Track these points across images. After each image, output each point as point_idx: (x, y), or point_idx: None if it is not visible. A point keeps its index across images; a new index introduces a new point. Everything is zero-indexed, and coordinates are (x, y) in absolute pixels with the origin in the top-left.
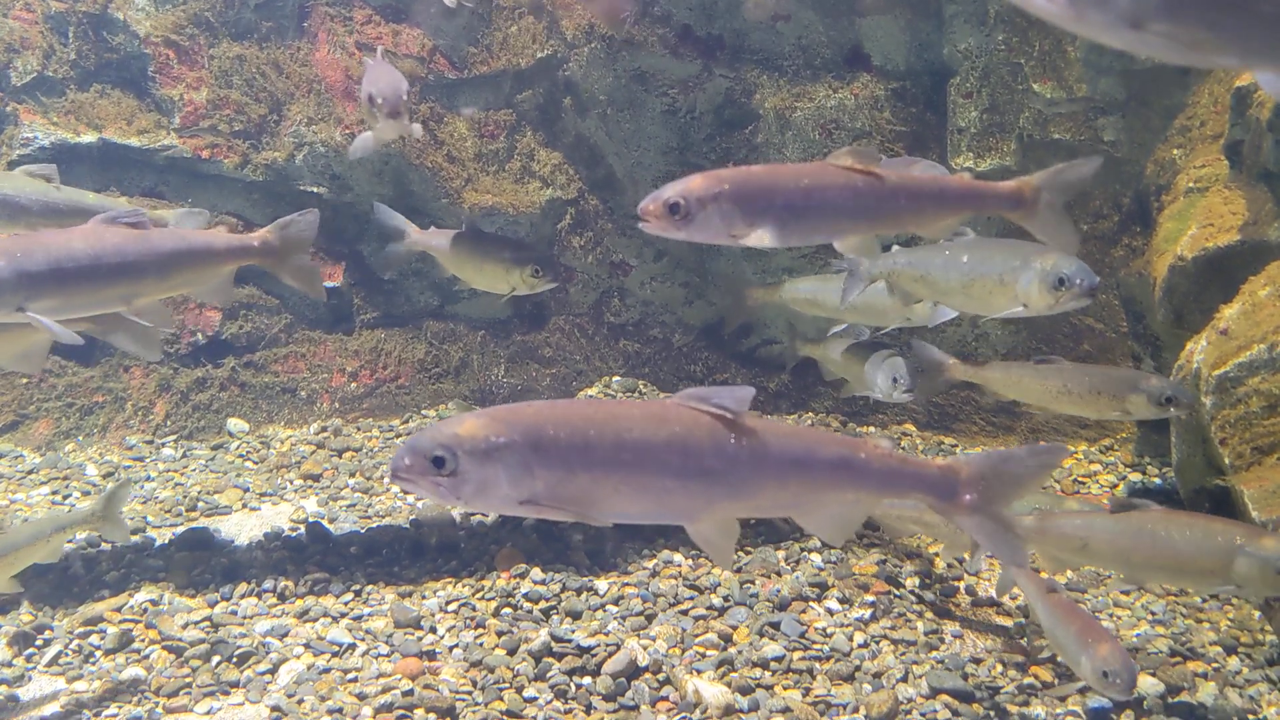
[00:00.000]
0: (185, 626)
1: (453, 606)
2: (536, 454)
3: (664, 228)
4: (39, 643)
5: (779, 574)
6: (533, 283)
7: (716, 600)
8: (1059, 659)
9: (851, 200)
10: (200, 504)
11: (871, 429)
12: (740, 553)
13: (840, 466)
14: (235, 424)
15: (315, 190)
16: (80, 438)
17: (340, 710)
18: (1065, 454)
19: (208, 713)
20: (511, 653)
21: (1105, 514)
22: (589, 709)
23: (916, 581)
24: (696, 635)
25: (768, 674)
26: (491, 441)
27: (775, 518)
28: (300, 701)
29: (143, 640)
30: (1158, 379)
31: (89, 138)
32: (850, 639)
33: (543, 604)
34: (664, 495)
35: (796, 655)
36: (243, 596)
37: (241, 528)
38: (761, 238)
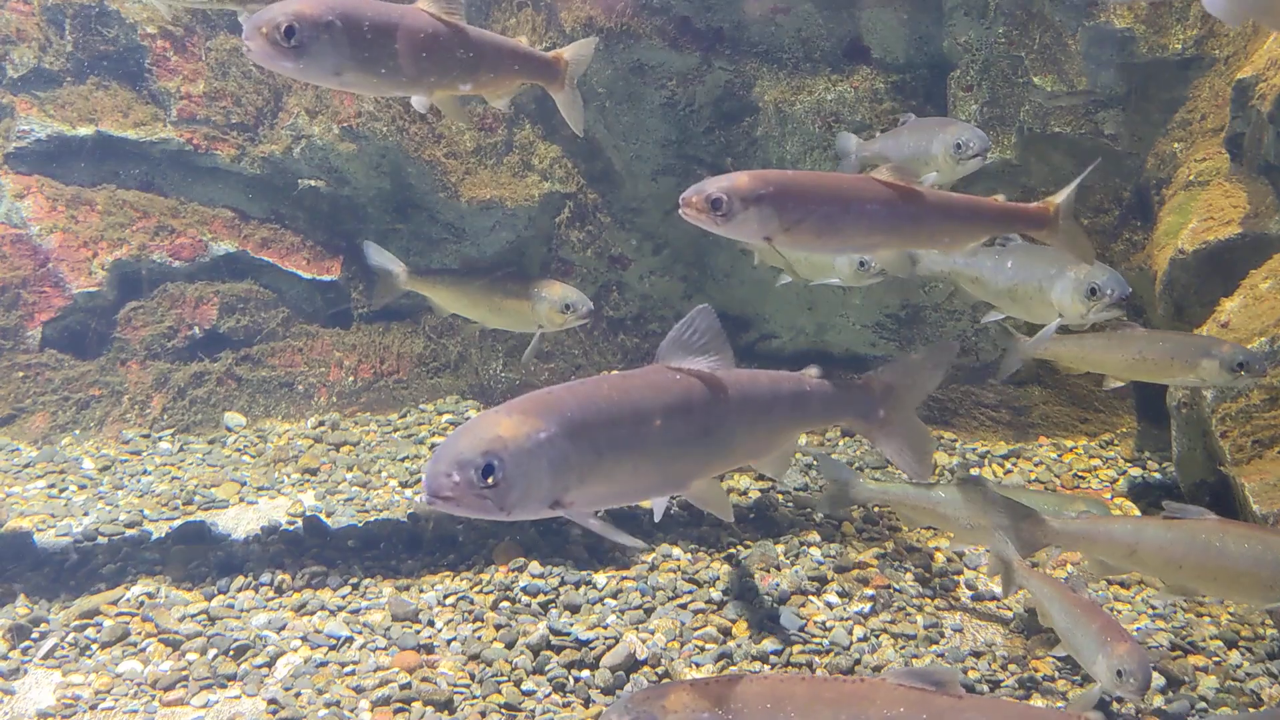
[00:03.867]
0: (182, 619)
1: (451, 600)
2: (573, 442)
3: (701, 221)
4: (35, 635)
5: (778, 568)
6: (562, 320)
7: (715, 594)
8: (1059, 652)
9: (889, 215)
10: (197, 497)
11: None
12: (739, 546)
13: (796, 402)
14: (232, 418)
15: (313, 183)
16: (77, 431)
17: (337, 703)
18: (956, 349)
19: (204, 705)
20: (510, 646)
21: (1157, 521)
22: (587, 702)
23: (916, 575)
24: (695, 629)
25: (766, 667)
26: (536, 438)
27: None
28: (297, 695)
29: (139, 633)
30: (1230, 345)
31: (85, 130)
32: (850, 633)
33: (541, 597)
34: (668, 464)
35: (796, 649)
36: (240, 590)
37: (238, 521)
38: (794, 244)
